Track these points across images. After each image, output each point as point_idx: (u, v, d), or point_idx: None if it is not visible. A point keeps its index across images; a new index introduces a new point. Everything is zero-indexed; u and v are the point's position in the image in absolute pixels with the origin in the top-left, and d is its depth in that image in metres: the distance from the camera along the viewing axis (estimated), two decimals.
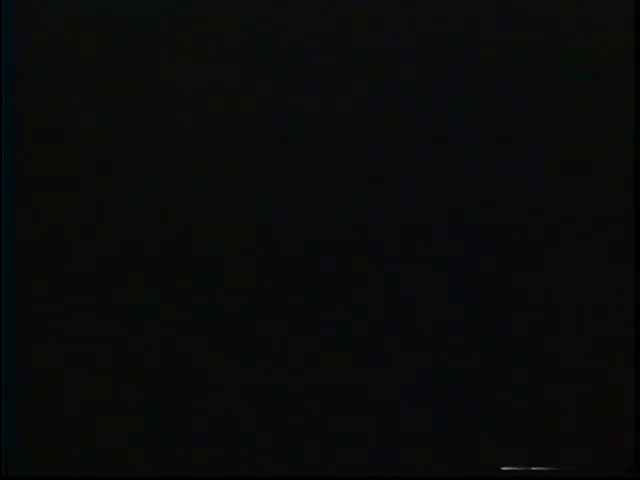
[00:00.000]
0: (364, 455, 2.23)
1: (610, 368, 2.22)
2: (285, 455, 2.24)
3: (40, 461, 2.25)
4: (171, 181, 2.26)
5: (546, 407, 2.22)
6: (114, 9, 2.27)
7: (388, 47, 2.25)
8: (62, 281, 2.25)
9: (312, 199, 2.26)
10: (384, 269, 2.24)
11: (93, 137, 2.26)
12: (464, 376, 2.23)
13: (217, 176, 2.26)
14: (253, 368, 2.24)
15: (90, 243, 2.26)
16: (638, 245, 2.21)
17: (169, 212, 2.25)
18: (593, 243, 2.23)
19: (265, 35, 2.26)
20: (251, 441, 2.24)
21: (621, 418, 2.21)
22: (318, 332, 2.24)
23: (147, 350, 2.24)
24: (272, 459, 2.24)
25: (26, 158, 2.26)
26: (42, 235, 2.26)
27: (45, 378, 2.25)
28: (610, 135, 2.24)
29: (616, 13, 2.24)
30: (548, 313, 2.23)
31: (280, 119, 2.26)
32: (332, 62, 2.26)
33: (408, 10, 2.25)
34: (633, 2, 2.23)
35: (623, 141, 2.23)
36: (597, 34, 2.24)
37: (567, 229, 2.23)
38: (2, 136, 2.26)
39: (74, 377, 2.25)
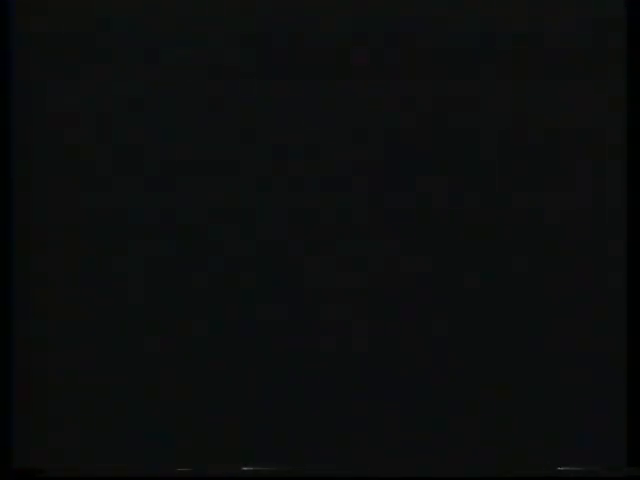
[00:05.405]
0: (364, 455, 2.24)
1: (609, 368, 2.22)
2: (285, 455, 2.24)
3: (40, 461, 2.25)
4: (171, 181, 2.26)
5: (545, 407, 2.23)
6: (114, 9, 2.27)
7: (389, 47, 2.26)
8: (62, 281, 2.25)
9: (312, 199, 2.26)
10: (384, 268, 2.24)
11: (93, 137, 2.26)
12: (463, 376, 2.23)
13: (217, 176, 2.26)
14: (253, 368, 2.24)
15: (90, 243, 2.26)
16: (636, 245, 2.22)
17: (169, 212, 2.25)
18: (593, 243, 2.23)
19: (265, 35, 2.27)
20: (251, 441, 2.24)
21: (621, 418, 2.21)
22: (318, 331, 2.24)
23: (147, 350, 2.24)
24: (272, 459, 2.24)
25: (26, 158, 2.26)
26: (42, 235, 2.26)
27: (45, 378, 2.25)
28: (609, 135, 2.24)
29: (614, 13, 2.24)
30: (548, 312, 2.23)
31: (280, 119, 2.26)
32: (332, 63, 2.26)
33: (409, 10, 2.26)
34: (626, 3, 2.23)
35: (622, 141, 2.24)
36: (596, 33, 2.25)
37: (566, 229, 2.24)
38: (2, 136, 2.25)
39: (74, 377, 2.25)
